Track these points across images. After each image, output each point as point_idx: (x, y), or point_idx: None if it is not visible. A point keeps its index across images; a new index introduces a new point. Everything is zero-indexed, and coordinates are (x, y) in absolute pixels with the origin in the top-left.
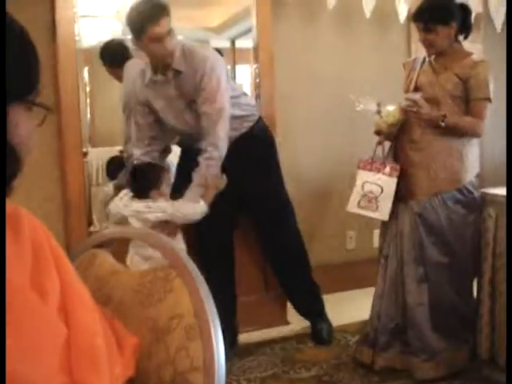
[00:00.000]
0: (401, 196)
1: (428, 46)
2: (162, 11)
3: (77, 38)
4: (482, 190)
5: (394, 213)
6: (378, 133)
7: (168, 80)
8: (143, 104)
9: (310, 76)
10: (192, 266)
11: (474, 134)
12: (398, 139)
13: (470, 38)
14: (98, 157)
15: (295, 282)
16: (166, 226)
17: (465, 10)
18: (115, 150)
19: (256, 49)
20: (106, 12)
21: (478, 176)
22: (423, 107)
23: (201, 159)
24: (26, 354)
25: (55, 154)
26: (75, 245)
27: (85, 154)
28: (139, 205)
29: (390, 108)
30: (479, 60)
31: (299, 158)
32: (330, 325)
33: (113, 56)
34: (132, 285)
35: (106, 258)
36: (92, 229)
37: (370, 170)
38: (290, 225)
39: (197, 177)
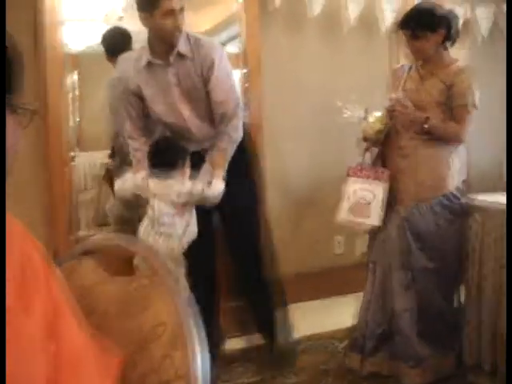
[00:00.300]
0: (388, 202)
1: (416, 52)
2: None
3: (65, 42)
4: (469, 196)
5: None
6: (365, 139)
7: (168, 64)
8: (134, 93)
9: (297, 83)
10: (174, 275)
11: (457, 139)
12: (385, 146)
13: (457, 44)
14: (86, 161)
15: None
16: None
17: (452, 17)
18: (104, 154)
19: (244, 54)
20: (95, 16)
21: (465, 182)
22: (407, 106)
23: (223, 142)
24: (9, 372)
25: (42, 158)
26: (62, 251)
27: (72, 158)
28: (163, 184)
29: (377, 114)
30: (463, 67)
31: (287, 165)
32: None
33: (113, 45)
34: (116, 293)
35: (90, 267)
36: (80, 234)
37: (361, 176)
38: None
39: (220, 159)
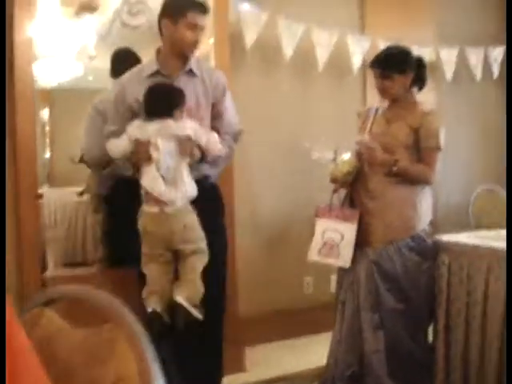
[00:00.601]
0: (356, 243)
1: (383, 92)
2: (209, 8)
3: (36, 78)
4: (436, 236)
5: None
6: (333, 181)
7: (175, 77)
8: (129, 109)
9: (268, 123)
10: (138, 327)
11: (426, 181)
12: (353, 187)
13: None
14: (57, 197)
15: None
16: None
17: (420, 63)
18: (74, 191)
19: None
20: (67, 53)
21: (431, 223)
22: (376, 150)
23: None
24: None
25: (12, 195)
26: (30, 292)
27: (40, 196)
28: (161, 124)
29: (346, 156)
30: (429, 110)
31: (257, 204)
32: None
33: (120, 65)
34: (77, 345)
35: (52, 317)
36: (47, 274)
37: (329, 217)
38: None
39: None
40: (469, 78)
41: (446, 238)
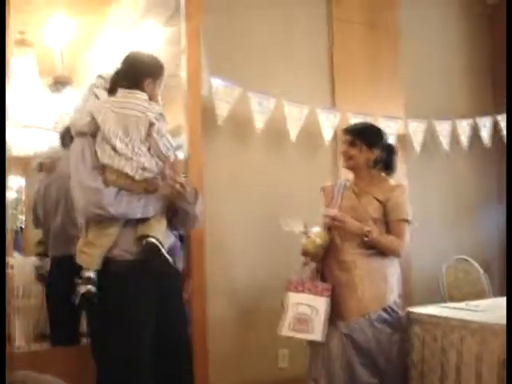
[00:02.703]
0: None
1: (348, 158)
2: None
3: (12, 147)
4: (408, 308)
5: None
6: (305, 253)
7: None
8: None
9: (240, 193)
10: None
11: (396, 252)
12: (324, 260)
13: None
14: (29, 265)
15: None
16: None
17: (391, 150)
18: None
19: (186, 165)
20: (44, 124)
21: (400, 296)
22: (345, 220)
23: None
24: None
25: None
26: None
27: (11, 267)
28: (129, 97)
29: (316, 229)
30: (396, 184)
31: (230, 275)
32: None
33: None
34: None
35: None
36: (16, 350)
37: (302, 291)
38: None
39: None
40: (438, 150)
41: (419, 310)
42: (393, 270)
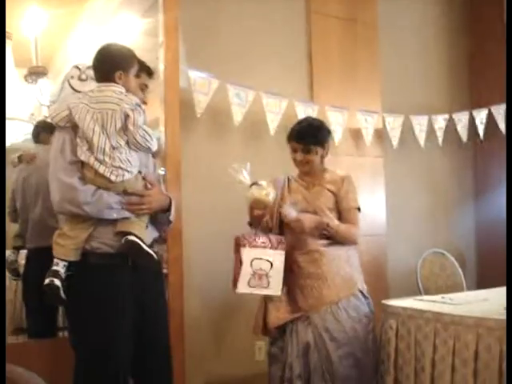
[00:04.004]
0: (299, 309)
1: (305, 164)
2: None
3: None
4: (383, 301)
5: (292, 330)
6: (256, 205)
7: None
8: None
9: (218, 187)
10: None
11: (353, 239)
12: (290, 254)
13: (373, 152)
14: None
15: None
16: None
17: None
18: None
19: (163, 158)
20: (20, 115)
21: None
22: (304, 221)
23: None
24: None
25: None
26: None
27: None
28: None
29: (263, 182)
30: (345, 174)
31: (206, 271)
32: None
33: None
34: None
35: None
36: None
37: (256, 246)
38: None
39: None
40: (414, 144)
41: (393, 302)
42: (356, 254)
